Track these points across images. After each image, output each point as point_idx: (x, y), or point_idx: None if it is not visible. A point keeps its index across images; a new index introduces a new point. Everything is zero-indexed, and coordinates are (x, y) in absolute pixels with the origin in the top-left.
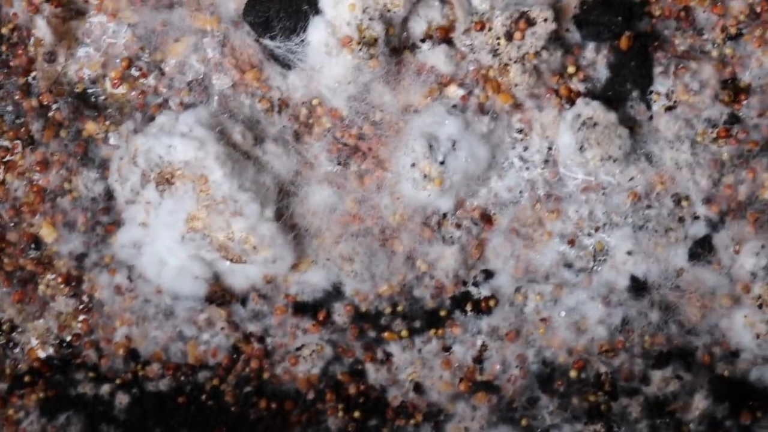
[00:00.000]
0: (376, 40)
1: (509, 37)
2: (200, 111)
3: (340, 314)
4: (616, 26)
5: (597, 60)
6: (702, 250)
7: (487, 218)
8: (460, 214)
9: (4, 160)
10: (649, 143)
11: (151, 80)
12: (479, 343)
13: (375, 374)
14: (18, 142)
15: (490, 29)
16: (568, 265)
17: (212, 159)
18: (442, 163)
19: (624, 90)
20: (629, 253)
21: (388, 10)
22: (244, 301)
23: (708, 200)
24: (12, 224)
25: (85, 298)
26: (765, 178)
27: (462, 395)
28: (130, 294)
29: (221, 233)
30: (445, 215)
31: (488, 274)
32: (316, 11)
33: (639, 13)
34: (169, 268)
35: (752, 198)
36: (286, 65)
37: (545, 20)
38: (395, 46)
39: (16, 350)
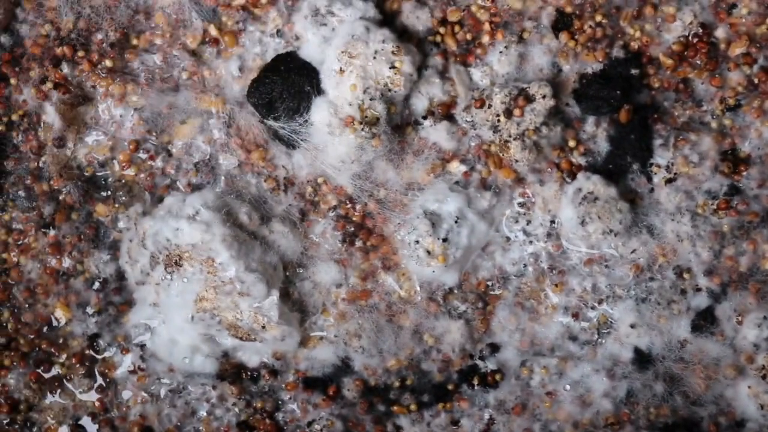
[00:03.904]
0: (377, 119)
1: (509, 114)
2: (206, 193)
3: (350, 389)
4: (615, 100)
5: (597, 133)
6: (705, 321)
7: (492, 292)
8: (466, 288)
9: (18, 243)
10: (651, 216)
11: (158, 162)
12: (486, 417)
13: None
14: (31, 225)
15: (489, 106)
16: (573, 338)
17: (218, 242)
18: (445, 240)
19: (624, 163)
20: (633, 325)
21: (389, 90)
22: (255, 377)
23: (710, 272)
24: (27, 306)
25: (99, 377)
26: (766, 249)
27: None
28: (143, 373)
29: (230, 313)
30: (450, 290)
31: (494, 348)
32: (319, 92)
33: (638, 85)
34: (180, 347)
35: (754, 269)
36: (290, 145)
37: (544, 97)
38: (398, 123)
39: (34, 429)
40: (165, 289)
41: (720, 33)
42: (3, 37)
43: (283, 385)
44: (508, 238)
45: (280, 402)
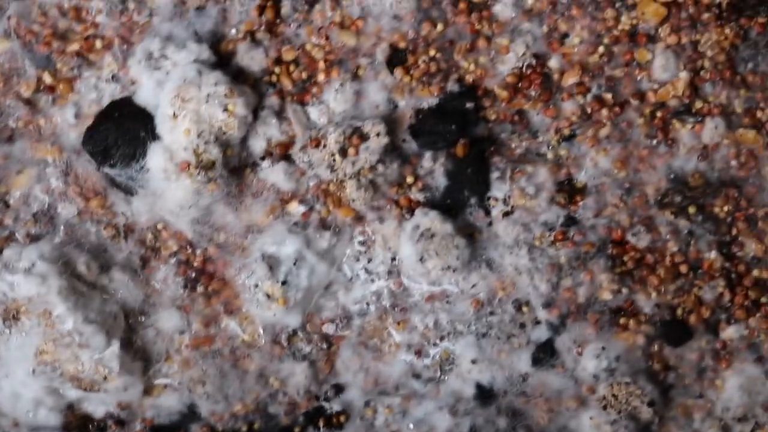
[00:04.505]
0: (213, 163)
1: (343, 153)
2: (43, 244)
3: None
4: (451, 134)
5: (435, 168)
6: (545, 354)
7: (335, 333)
8: (310, 329)
9: None
10: (489, 249)
11: None
12: None
13: None
14: None
15: (325, 146)
16: (417, 376)
17: (54, 294)
18: (284, 282)
19: (462, 197)
20: (474, 361)
21: (224, 133)
22: (102, 427)
23: (548, 304)
24: None
25: None
26: (602, 279)
27: None
28: None
29: (71, 365)
30: (294, 332)
31: (339, 389)
32: (154, 137)
33: (474, 118)
34: (24, 401)
35: (591, 300)
36: (128, 192)
37: (378, 134)
38: (235, 165)
39: None
40: (4, 343)
41: (553, 63)
42: None
43: None
44: (350, 278)
45: None
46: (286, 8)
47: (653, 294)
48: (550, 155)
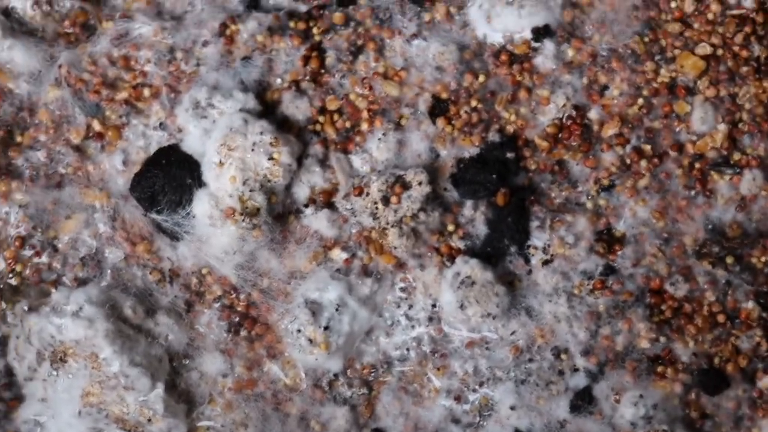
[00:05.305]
0: (258, 210)
1: (386, 201)
2: (90, 288)
3: None
4: (491, 183)
5: (475, 217)
6: (583, 401)
7: (376, 377)
8: (351, 373)
9: None
10: (529, 297)
11: (44, 258)
12: None
13: None
14: None
15: (368, 194)
16: (456, 421)
17: (101, 337)
18: (326, 328)
19: (502, 245)
20: (512, 407)
21: (269, 180)
22: None
23: (587, 352)
24: None
25: None
26: (641, 328)
27: None
28: None
29: (116, 407)
30: (335, 376)
31: None
32: (200, 184)
33: (514, 168)
34: None
35: (629, 348)
36: (174, 237)
37: (420, 183)
38: (279, 212)
39: None
40: (52, 385)
41: (593, 114)
42: None
43: None
44: (391, 323)
45: None
46: (330, 59)
47: (691, 343)
48: (589, 205)
